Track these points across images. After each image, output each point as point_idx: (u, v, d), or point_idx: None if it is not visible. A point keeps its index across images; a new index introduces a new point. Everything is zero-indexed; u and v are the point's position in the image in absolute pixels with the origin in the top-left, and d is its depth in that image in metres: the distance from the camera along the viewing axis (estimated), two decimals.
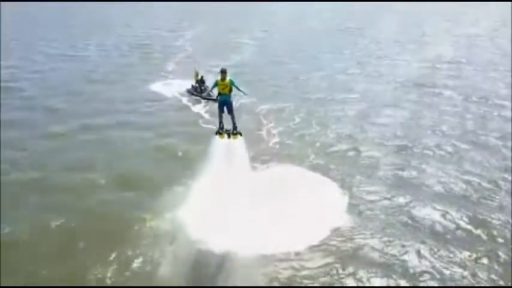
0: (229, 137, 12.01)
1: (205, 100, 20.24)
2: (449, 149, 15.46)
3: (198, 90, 20.55)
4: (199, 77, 20.75)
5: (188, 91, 21.12)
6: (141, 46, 37.73)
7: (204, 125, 17.95)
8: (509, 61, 28.72)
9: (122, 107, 20.42)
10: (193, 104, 20.72)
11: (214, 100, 19.97)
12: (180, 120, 18.64)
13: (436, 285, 9.05)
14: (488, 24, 50.84)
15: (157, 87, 24.14)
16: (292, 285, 9.16)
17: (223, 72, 11.39)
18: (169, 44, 39.18)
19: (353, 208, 11.63)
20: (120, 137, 16.55)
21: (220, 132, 12.04)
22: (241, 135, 12.09)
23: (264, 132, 16.94)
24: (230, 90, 11.55)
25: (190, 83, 24.10)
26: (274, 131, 17.01)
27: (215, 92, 20.98)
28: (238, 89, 11.52)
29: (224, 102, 11.71)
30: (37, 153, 15.33)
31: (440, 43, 36.72)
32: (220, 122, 12.11)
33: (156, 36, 44.40)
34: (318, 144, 15.70)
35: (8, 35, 43.42)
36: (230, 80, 11.41)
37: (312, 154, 14.79)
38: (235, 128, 12.04)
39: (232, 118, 12.02)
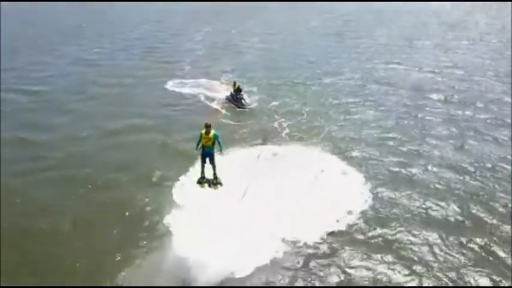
0: (209, 186, 13.43)
1: (240, 108, 22.58)
2: (448, 142, 17.51)
3: (235, 98, 23.05)
4: (236, 87, 23.26)
5: (227, 98, 23.76)
6: (151, 49, 39.84)
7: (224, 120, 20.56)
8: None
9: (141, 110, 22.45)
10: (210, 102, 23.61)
11: (245, 108, 22.68)
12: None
13: (436, 285, 9.65)
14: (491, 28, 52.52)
15: (173, 87, 26.66)
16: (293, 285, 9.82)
17: (207, 126, 12.78)
18: (180, 48, 41.36)
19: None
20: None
21: (201, 181, 13.56)
22: (221, 185, 13.32)
23: (276, 125, 19.78)
24: (213, 143, 12.86)
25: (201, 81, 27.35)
26: (285, 124, 19.74)
27: (247, 101, 23.31)
28: (219, 143, 12.87)
29: (207, 154, 13.09)
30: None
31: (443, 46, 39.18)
32: (202, 172, 13.41)
33: (164, 38, 46.56)
34: (322, 136, 18.44)
35: (11, 36, 44.20)
36: (214, 134, 12.75)
37: (319, 144, 17.52)
38: (215, 178, 13.38)
39: (214, 168, 13.26)
